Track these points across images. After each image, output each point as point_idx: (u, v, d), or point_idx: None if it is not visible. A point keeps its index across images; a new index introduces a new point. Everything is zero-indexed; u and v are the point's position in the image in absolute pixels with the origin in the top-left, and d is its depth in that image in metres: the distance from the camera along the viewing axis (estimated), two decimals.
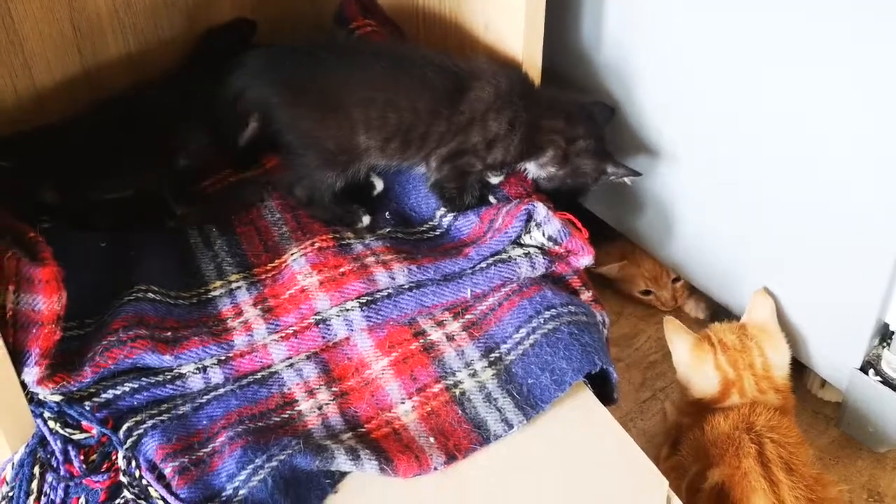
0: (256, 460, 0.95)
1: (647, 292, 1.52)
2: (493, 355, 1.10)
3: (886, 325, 1.14)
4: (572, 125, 1.24)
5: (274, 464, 0.95)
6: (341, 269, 1.13)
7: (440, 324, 1.13)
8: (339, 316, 1.10)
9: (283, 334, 1.08)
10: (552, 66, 1.31)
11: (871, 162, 1.04)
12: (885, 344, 1.16)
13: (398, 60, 1.23)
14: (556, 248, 1.18)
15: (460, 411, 1.04)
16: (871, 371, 1.17)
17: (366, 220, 1.24)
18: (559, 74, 1.37)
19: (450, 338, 1.11)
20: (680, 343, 1.19)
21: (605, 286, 1.53)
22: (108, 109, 1.29)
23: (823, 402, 1.36)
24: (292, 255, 1.17)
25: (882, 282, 1.09)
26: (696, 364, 1.18)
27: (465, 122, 1.21)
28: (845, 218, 1.10)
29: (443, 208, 1.25)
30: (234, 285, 1.15)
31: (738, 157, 1.21)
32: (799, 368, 1.28)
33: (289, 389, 1.06)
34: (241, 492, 0.94)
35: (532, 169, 1.26)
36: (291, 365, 1.08)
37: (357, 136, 1.20)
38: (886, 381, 1.16)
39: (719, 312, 1.40)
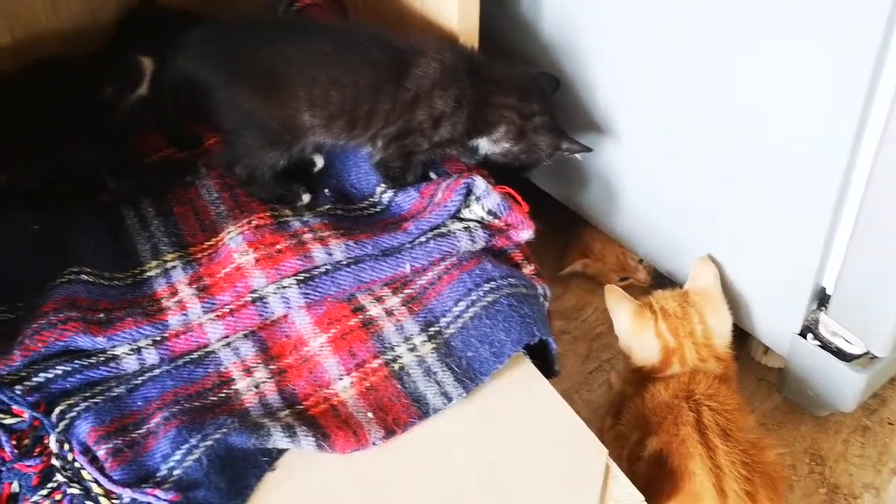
0: (191, 440, 0.95)
1: (625, 278, 1.52)
2: (432, 329, 1.09)
3: (823, 289, 1.15)
4: (526, 101, 1.22)
5: (209, 443, 0.94)
6: (278, 247, 1.12)
7: (379, 299, 1.12)
8: (276, 293, 1.09)
9: (220, 313, 1.07)
10: (495, 38, 1.30)
11: (807, 133, 1.04)
12: (822, 308, 1.17)
13: (342, 37, 1.22)
14: (496, 221, 1.18)
15: (399, 386, 1.04)
16: (810, 335, 1.18)
17: (306, 198, 1.23)
18: (504, 47, 1.36)
19: (389, 313, 1.10)
20: (621, 311, 1.20)
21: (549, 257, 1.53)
22: (32, 80, 1.27)
23: (767, 369, 1.37)
24: (229, 233, 1.15)
25: (817, 246, 1.09)
26: (637, 331, 1.18)
27: (411, 99, 1.19)
28: (782, 186, 1.10)
29: (383, 185, 1.24)
30: (169, 265, 1.14)
31: (679, 130, 1.20)
32: (742, 336, 1.29)
33: (225, 368, 1.05)
34: (175, 472, 0.93)
35: (484, 145, 1.25)
36: (228, 344, 1.07)
37: (301, 115, 1.18)
38: (825, 345, 1.17)
39: (664, 280, 1.41)
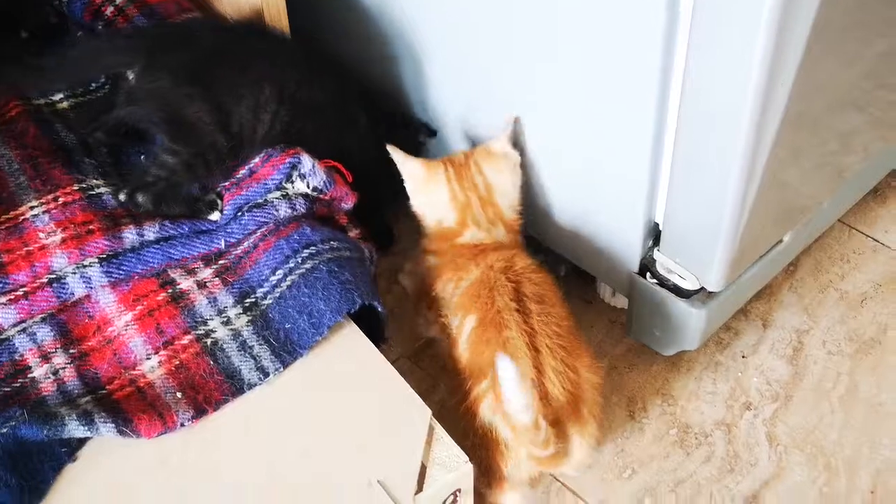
0: None
1: None
2: (248, 300, 1.03)
3: (657, 225, 1.12)
4: None
5: None
6: (90, 227, 1.05)
7: (191, 271, 1.06)
8: (75, 273, 1.02)
9: (12, 296, 1.00)
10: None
11: (619, 65, 0.99)
12: (657, 245, 1.13)
13: None
14: (322, 196, 1.12)
15: (212, 362, 0.98)
16: (648, 274, 1.15)
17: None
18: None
19: (201, 285, 1.04)
20: (411, 161, 1.17)
21: None
22: None
23: (618, 311, 1.34)
24: (32, 208, 1.07)
25: (643, 180, 1.05)
26: (428, 180, 1.16)
27: None
28: (603, 118, 1.05)
29: None
30: None
31: (501, 73, 1.16)
32: (591, 277, 1.26)
33: (21, 356, 0.98)
34: None
35: None
36: (24, 329, 1.00)
37: None
38: (662, 283, 1.14)
39: None
